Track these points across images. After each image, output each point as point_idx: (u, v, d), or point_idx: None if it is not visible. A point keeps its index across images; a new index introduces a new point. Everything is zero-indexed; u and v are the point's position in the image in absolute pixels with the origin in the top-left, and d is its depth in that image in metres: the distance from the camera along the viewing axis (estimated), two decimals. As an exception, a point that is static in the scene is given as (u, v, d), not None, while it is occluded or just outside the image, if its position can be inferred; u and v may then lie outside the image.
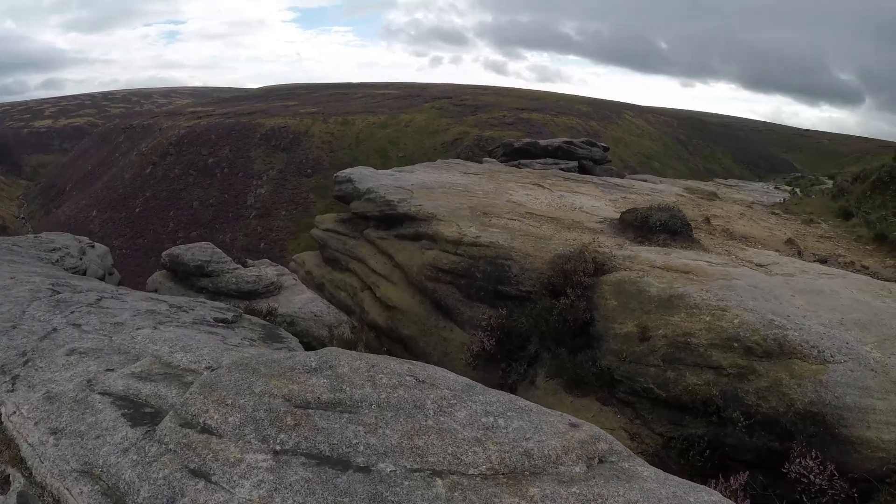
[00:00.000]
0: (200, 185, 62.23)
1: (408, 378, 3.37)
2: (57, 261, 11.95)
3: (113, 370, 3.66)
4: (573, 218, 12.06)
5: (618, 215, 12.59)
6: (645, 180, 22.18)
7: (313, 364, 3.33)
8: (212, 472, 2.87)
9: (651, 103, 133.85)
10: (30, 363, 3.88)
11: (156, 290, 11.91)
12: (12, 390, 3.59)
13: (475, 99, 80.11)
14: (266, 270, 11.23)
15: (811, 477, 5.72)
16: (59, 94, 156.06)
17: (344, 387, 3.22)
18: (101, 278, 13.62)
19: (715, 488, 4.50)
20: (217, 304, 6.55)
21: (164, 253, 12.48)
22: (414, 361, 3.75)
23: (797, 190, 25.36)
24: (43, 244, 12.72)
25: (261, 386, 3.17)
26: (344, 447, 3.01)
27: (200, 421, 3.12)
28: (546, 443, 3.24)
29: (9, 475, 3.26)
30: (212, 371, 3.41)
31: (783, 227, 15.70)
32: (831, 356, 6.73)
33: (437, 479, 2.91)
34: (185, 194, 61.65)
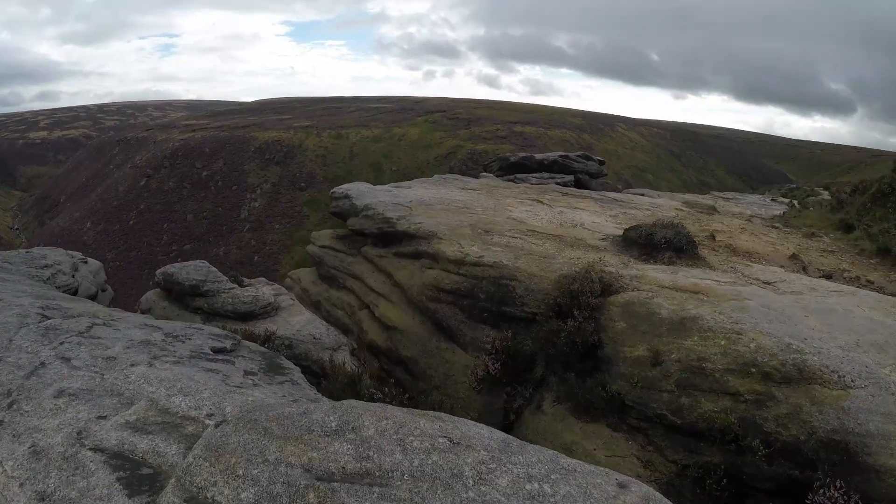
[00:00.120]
0: (194, 198, 62.03)
1: (441, 440, 3.00)
2: (49, 278, 11.64)
3: (105, 417, 3.34)
4: (575, 235, 11.85)
5: (620, 232, 12.39)
6: (643, 194, 22.05)
7: (333, 424, 2.97)
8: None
9: (644, 116, 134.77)
10: (15, 406, 3.57)
11: (150, 310, 11.60)
12: (-3, 439, 3.28)
13: (468, 112, 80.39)
14: (263, 290, 10.94)
15: (836, 508, 5.48)
16: (55, 106, 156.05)
17: (371, 453, 2.85)
18: (94, 295, 13.31)
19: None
20: (214, 330, 6.25)
21: (159, 271, 12.17)
22: (444, 416, 3.38)
23: (795, 202, 25.30)
24: (35, 260, 12.40)
25: (275, 452, 2.80)
26: (379, 531, 2.61)
27: (208, 496, 2.72)
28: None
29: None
30: (216, 427, 3.08)
31: (785, 242, 15.55)
32: (852, 381, 6.50)
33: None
34: (179, 207, 61.43)
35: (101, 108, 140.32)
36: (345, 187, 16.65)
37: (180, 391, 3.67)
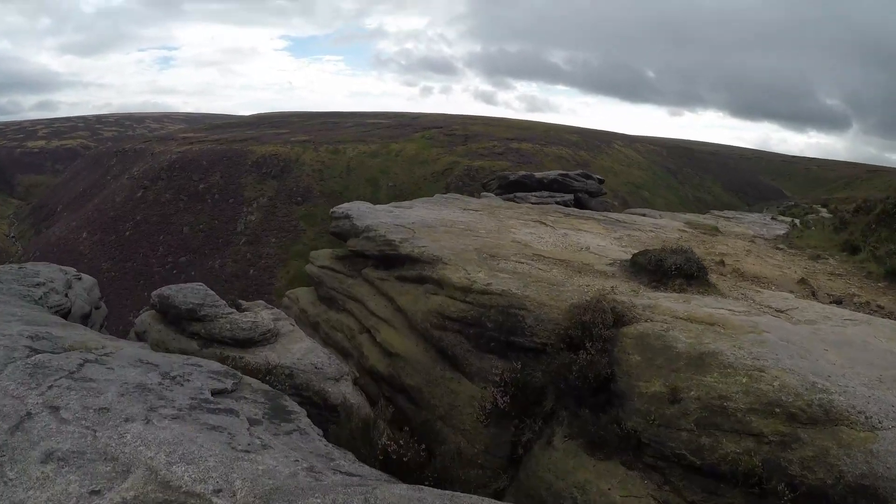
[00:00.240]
0: (191, 211, 61.68)
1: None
2: (41, 298, 11.34)
3: (99, 493, 2.98)
4: (582, 260, 11.59)
5: (626, 256, 12.16)
6: (644, 215, 21.88)
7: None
8: None
9: (640, 132, 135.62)
10: (-1, 470, 3.25)
11: (144, 332, 11.23)
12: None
13: (465, 129, 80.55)
14: (262, 315, 10.60)
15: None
16: (53, 116, 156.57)
17: None
18: (88, 314, 12.96)
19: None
20: (213, 366, 5.93)
21: (154, 293, 11.80)
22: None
23: (797, 221, 25.14)
24: (27, 277, 12.10)
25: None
26: None
27: None
28: None
29: None
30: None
31: (792, 265, 15.35)
32: (879, 422, 6.23)
33: None
34: (176, 219, 61.08)
35: (100, 119, 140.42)
36: (345, 207, 16.37)
37: (182, 458, 3.33)
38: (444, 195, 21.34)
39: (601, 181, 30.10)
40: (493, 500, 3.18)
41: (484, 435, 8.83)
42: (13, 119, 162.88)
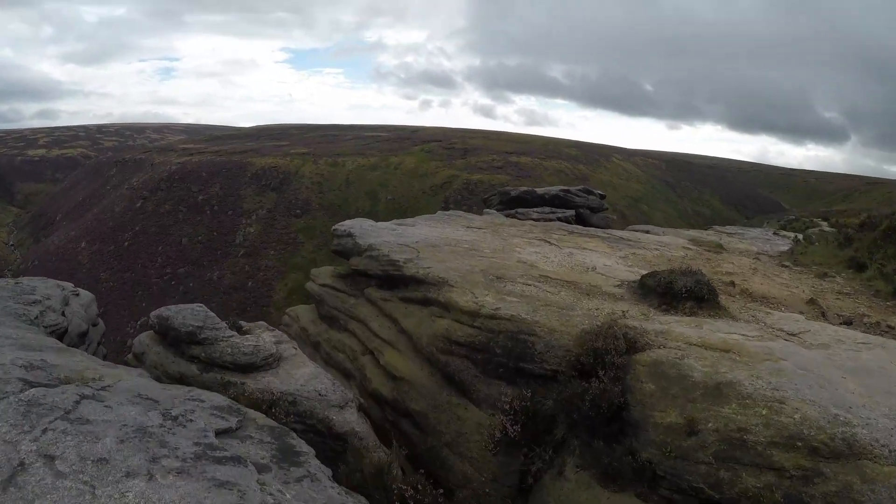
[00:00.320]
0: (190, 222, 61.59)
1: None
2: (37, 317, 11.08)
3: None
4: (590, 282, 11.39)
5: (633, 276, 11.97)
6: (648, 231, 21.74)
7: None
8: None
9: (638, 146, 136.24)
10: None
11: (143, 354, 10.98)
12: None
13: (464, 142, 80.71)
14: (263, 337, 10.36)
15: None
16: (54, 125, 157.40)
17: None
18: (85, 332, 12.70)
19: None
20: (216, 400, 5.70)
21: (153, 314, 11.54)
22: None
23: (800, 237, 24.99)
24: (23, 294, 11.83)
25: None
26: None
27: None
28: None
29: None
30: None
31: (799, 284, 15.17)
32: (903, 456, 6.03)
33: None
34: (175, 230, 60.98)
35: (101, 129, 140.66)
36: (347, 224, 16.18)
37: (188, 524, 3.13)
38: (447, 212, 21.15)
39: (602, 196, 29.97)
40: None
41: (492, 463, 8.59)
42: (14, 127, 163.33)
